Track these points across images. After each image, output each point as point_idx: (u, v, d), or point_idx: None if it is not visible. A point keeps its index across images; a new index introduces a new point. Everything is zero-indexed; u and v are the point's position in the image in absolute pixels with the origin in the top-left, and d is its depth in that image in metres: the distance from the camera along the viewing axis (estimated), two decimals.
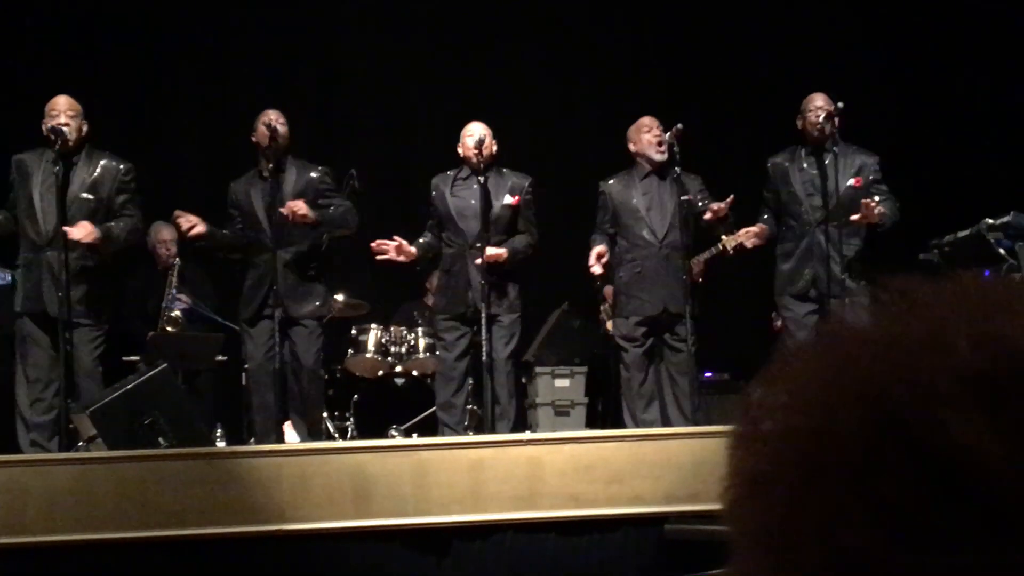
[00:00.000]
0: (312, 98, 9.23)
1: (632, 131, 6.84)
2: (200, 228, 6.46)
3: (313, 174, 6.59)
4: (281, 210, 6.37)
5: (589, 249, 6.74)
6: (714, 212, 6.54)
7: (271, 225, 6.45)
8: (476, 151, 6.54)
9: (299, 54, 9.63)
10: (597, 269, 6.71)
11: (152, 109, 9.21)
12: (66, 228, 6.05)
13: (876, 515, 0.55)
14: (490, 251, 6.48)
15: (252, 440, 6.73)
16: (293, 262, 6.50)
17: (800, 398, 0.60)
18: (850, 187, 6.54)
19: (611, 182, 6.83)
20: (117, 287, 6.66)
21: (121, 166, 6.32)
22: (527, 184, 6.71)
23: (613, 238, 6.82)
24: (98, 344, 6.25)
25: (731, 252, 6.84)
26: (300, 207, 6.35)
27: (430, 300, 8.62)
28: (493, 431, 6.28)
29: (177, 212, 6.54)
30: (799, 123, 6.68)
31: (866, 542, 0.55)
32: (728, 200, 6.55)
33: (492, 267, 6.50)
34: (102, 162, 6.28)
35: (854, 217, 6.45)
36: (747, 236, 6.59)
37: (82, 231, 6.07)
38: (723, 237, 7.06)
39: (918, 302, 0.61)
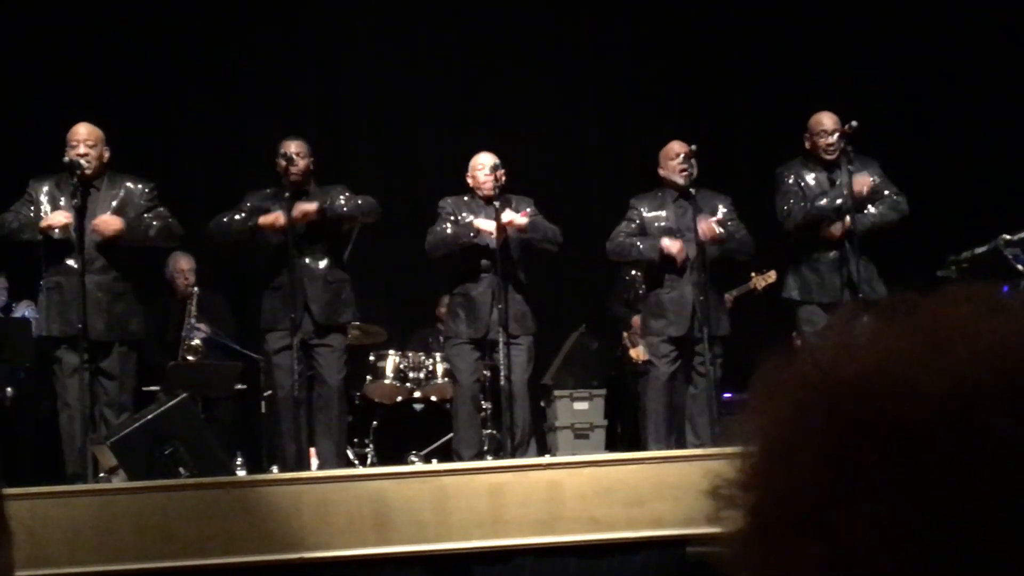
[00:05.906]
0: (319, 123, 9.24)
1: (661, 155, 6.86)
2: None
3: (336, 189, 6.66)
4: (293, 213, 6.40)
5: (636, 258, 6.82)
6: (703, 232, 6.52)
7: (294, 237, 6.41)
8: (491, 177, 6.58)
9: (306, 79, 9.68)
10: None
11: (161, 136, 9.26)
12: (96, 222, 6.15)
13: (844, 524, 0.56)
14: (508, 215, 6.52)
15: (274, 467, 6.74)
16: (320, 271, 6.54)
17: (776, 414, 0.61)
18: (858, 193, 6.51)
19: (641, 199, 6.85)
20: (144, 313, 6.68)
21: (145, 187, 6.41)
22: (531, 205, 6.76)
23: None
24: (133, 365, 6.33)
25: (760, 291, 7.01)
26: (310, 207, 6.42)
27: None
28: (513, 456, 6.27)
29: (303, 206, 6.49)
30: (807, 143, 6.66)
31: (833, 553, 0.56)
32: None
33: (511, 278, 6.55)
34: (126, 184, 6.38)
35: None
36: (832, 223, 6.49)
37: (105, 223, 6.16)
38: (752, 275, 7.13)
39: (914, 313, 0.62)
